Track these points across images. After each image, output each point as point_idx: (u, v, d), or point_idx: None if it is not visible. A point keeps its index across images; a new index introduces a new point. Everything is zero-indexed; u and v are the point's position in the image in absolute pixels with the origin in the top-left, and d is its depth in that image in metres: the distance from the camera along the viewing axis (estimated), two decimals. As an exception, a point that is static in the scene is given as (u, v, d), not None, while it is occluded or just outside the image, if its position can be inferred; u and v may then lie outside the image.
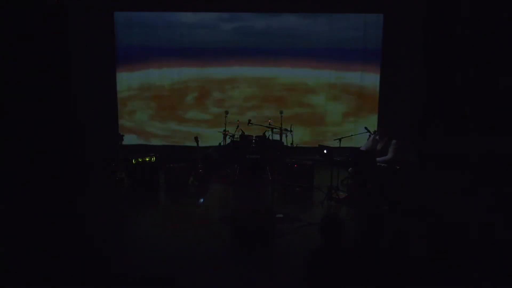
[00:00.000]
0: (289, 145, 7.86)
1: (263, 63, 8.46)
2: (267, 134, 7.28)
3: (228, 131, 7.63)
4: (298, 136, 8.13)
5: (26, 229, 4.77)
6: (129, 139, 8.09)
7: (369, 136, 6.67)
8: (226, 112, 7.71)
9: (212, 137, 8.17)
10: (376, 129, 6.42)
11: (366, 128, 6.92)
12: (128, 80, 8.58)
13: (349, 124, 8.51)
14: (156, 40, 8.37)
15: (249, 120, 7.20)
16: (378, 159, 5.88)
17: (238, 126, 7.61)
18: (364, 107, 8.55)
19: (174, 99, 8.62)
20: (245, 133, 7.47)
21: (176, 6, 8.28)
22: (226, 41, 8.36)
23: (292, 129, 7.54)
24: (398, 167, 5.81)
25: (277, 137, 7.28)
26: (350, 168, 6.22)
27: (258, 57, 8.43)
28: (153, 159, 6.77)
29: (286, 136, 7.68)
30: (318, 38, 8.31)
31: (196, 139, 6.87)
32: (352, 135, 6.70)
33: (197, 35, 8.35)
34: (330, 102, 8.57)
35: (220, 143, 7.86)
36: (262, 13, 8.28)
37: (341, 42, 8.30)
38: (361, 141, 7.41)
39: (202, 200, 6.19)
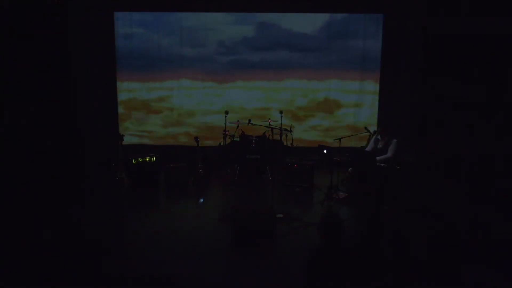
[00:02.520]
0: (289, 145, 7.86)
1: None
2: (267, 134, 7.28)
3: (228, 131, 7.64)
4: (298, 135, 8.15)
5: (26, 229, 4.77)
6: (129, 139, 8.11)
7: (370, 136, 6.67)
8: (226, 112, 7.71)
9: (212, 137, 8.17)
10: (376, 129, 6.45)
11: (366, 128, 6.92)
12: (128, 80, 8.60)
13: (349, 124, 8.52)
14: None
15: (249, 120, 7.21)
16: (377, 158, 5.89)
17: (238, 126, 7.61)
18: (364, 107, 8.56)
19: (174, 98, 8.64)
20: (245, 133, 7.48)
21: (176, 6, 8.28)
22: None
23: (292, 129, 7.55)
24: (398, 167, 5.81)
25: (277, 137, 7.28)
26: (350, 168, 6.23)
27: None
28: (153, 159, 6.77)
29: (286, 136, 7.69)
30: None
31: (196, 139, 6.87)
32: (352, 135, 6.70)
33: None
34: (329, 101, 8.58)
35: (220, 143, 7.86)
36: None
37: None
38: (361, 142, 7.42)
39: (202, 200, 6.19)
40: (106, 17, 8.23)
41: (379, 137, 6.20)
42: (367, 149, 6.35)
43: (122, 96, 8.58)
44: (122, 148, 6.60)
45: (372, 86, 8.48)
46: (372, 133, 6.76)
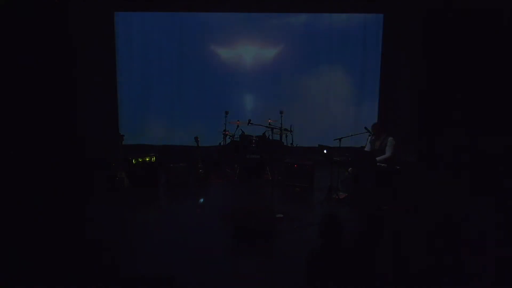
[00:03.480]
0: (289, 145, 7.86)
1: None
2: (267, 134, 7.28)
3: (228, 131, 7.63)
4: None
5: (26, 229, 4.77)
6: (129, 139, 8.11)
7: (369, 136, 6.66)
8: (226, 112, 7.70)
9: (212, 137, 8.17)
10: (371, 129, 6.43)
11: (366, 128, 6.91)
12: (128, 79, 8.59)
13: (349, 124, 8.51)
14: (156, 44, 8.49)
15: (249, 120, 7.20)
16: (377, 158, 5.89)
17: (238, 126, 7.61)
18: (364, 107, 8.55)
19: (174, 98, 8.63)
20: (245, 133, 7.47)
21: (176, 7, 8.29)
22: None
23: (292, 129, 7.54)
24: (398, 168, 5.81)
25: (277, 137, 7.28)
26: (350, 168, 6.23)
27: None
28: (153, 159, 6.77)
29: (286, 136, 7.67)
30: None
31: (196, 139, 6.87)
32: (352, 135, 6.69)
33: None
34: (329, 102, 8.58)
35: (220, 143, 7.86)
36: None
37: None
38: (361, 141, 7.39)
39: (202, 200, 6.19)
40: (106, 17, 8.24)
41: (374, 137, 6.22)
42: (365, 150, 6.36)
43: (122, 96, 8.59)
44: (122, 148, 6.60)
45: (372, 86, 8.48)
46: (372, 133, 6.75)
